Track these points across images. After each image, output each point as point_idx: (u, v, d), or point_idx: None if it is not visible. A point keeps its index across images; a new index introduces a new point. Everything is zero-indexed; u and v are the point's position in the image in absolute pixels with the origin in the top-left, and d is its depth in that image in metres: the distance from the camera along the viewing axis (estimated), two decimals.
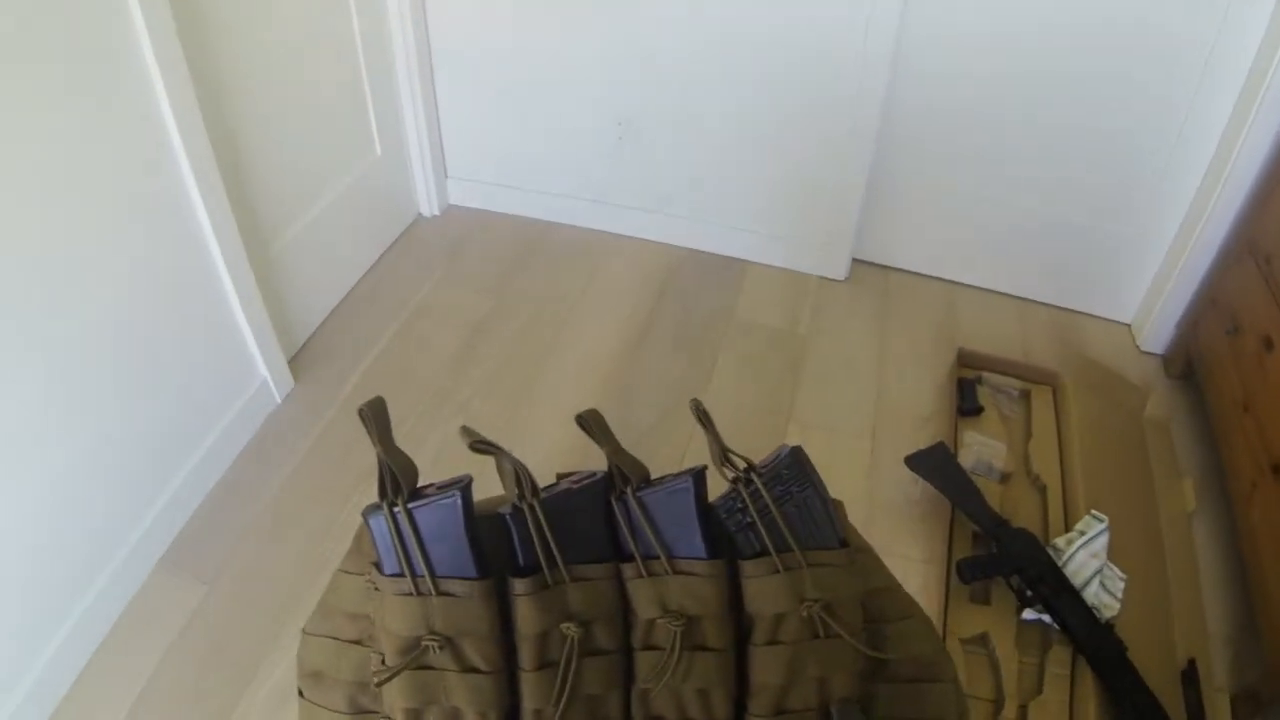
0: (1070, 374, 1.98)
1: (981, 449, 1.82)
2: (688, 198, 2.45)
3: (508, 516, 0.64)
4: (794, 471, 0.66)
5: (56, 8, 1.24)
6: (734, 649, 0.66)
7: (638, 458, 0.68)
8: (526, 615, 0.62)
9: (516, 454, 0.64)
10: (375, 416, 0.63)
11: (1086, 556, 1.53)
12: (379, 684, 0.62)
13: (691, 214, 2.47)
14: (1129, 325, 2.32)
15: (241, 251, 1.75)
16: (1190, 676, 1.44)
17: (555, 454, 1.85)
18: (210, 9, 1.64)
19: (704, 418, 0.68)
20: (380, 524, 0.62)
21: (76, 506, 1.45)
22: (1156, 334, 2.20)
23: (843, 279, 2.43)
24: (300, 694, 0.71)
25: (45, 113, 1.26)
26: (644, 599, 0.65)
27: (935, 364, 2.13)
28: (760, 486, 0.65)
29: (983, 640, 1.49)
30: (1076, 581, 1.49)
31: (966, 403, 1.93)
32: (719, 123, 2.26)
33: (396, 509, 0.62)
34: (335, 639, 0.70)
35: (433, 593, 0.62)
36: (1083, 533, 1.57)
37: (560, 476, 0.70)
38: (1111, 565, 1.53)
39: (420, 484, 0.65)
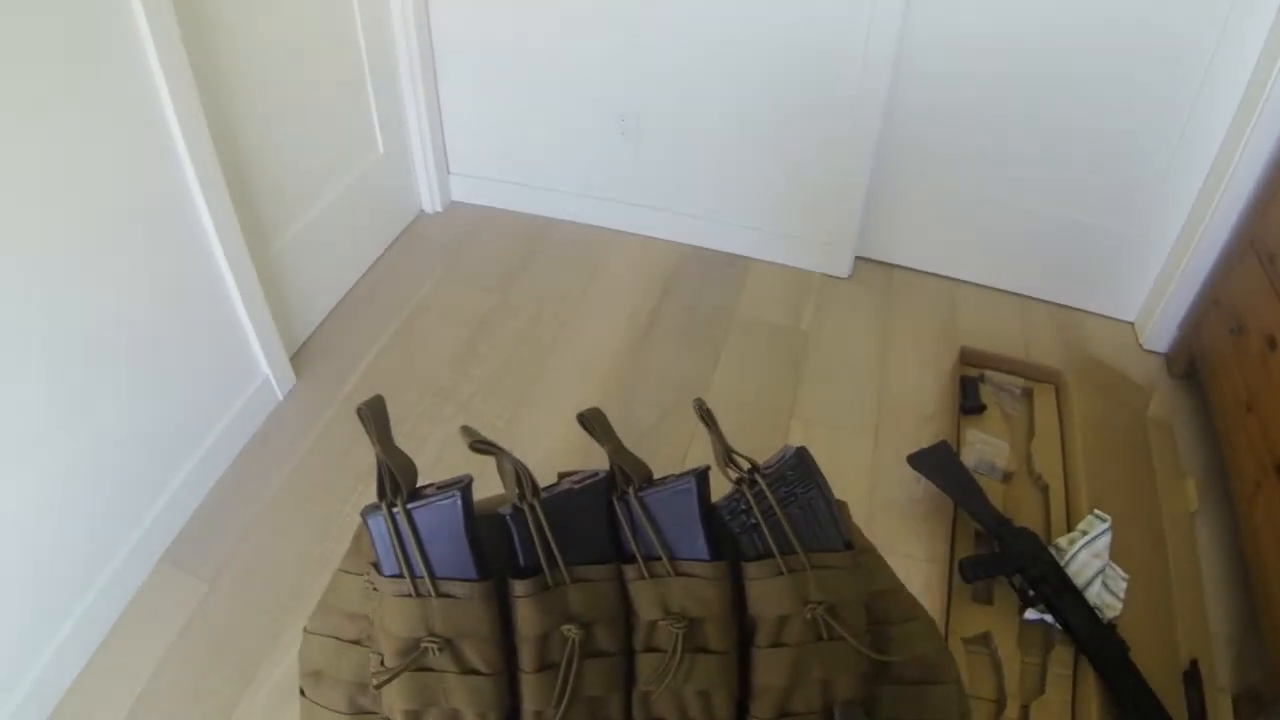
0: (1073, 373, 1.98)
1: (984, 448, 1.81)
2: (690, 195, 2.44)
3: (508, 517, 0.63)
4: (799, 472, 0.65)
5: (59, 8, 1.24)
6: (736, 651, 0.65)
7: (639, 457, 0.68)
8: (527, 617, 0.62)
9: (517, 453, 0.64)
10: (374, 416, 0.63)
11: (1089, 556, 1.53)
12: (378, 686, 0.61)
13: (694, 211, 2.47)
14: (1132, 324, 2.31)
15: (244, 250, 1.75)
16: (1193, 677, 1.43)
17: (556, 453, 1.85)
18: (213, 8, 1.63)
19: (707, 417, 0.68)
20: (379, 524, 0.62)
21: (77, 505, 1.45)
22: (1159, 333, 2.20)
23: (845, 276, 2.43)
24: (302, 693, 0.71)
25: (49, 113, 1.26)
26: (646, 600, 0.64)
27: (938, 362, 2.13)
28: (764, 488, 0.64)
29: (985, 640, 1.48)
30: (1079, 581, 1.49)
31: (969, 401, 1.92)
32: (722, 121, 2.26)
33: (395, 509, 0.61)
34: (335, 639, 0.70)
35: (432, 594, 0.61)
36: (1085, 532, 1.57)
37: (562, 476, 0.69)
38: (1114, 565, 1.53)
39: (420, 484, 0.64)
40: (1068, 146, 2.08)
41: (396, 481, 0.62)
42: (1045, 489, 1.74)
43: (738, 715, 0.67)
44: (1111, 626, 1.44)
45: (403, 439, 0.63)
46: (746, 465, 0.67)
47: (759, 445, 0.71)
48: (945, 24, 1.97)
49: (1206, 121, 1.93)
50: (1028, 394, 1.97)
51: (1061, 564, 1.51)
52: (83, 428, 1.43)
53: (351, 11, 2.08)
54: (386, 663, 0.63)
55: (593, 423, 0.68)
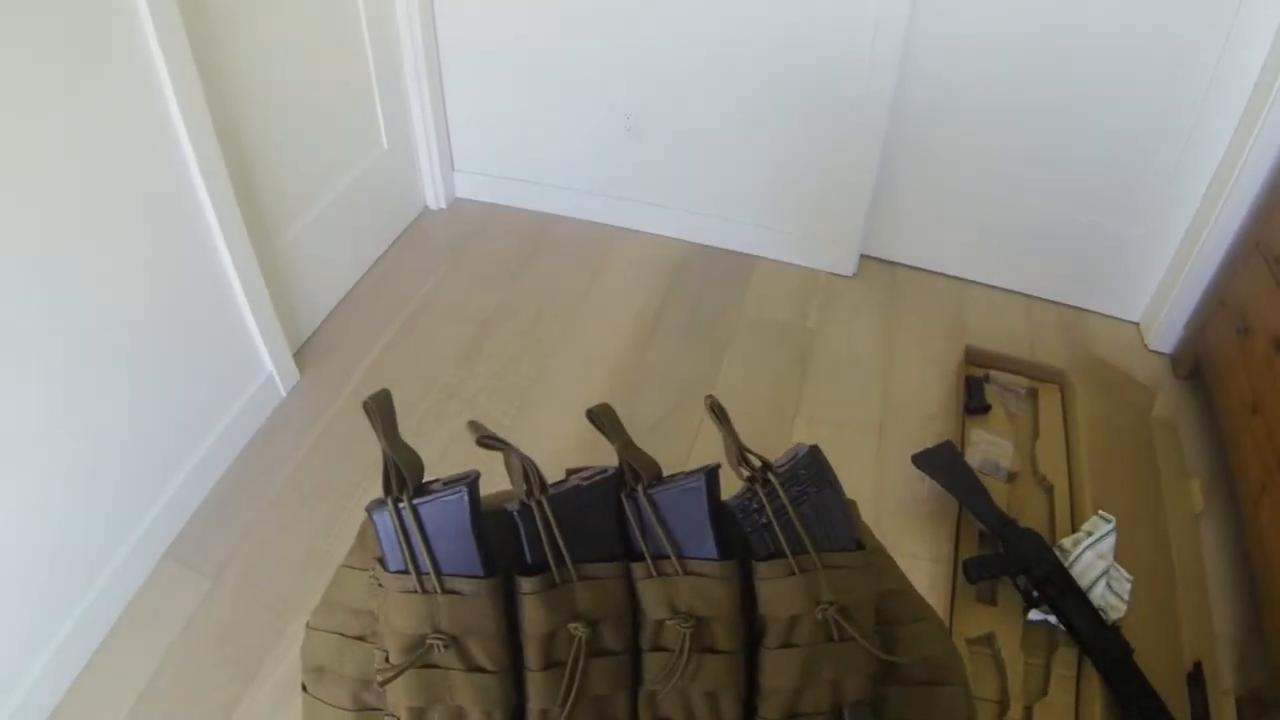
0: (1078, 373, 1.97)
1: (988, 447, 1.81)
2: (696, 192, 2.44)
3: (515, 513, 0.63)
4: (812, 472, 0.64)
5: (62, 7, 1.24)
6: (744, 651, 0.65)
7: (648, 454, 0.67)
8: (533, 615, 0.61)
9: (524, 449, 0.63)
10: (380, 410, 0.62)
11: (1093, 557, 1.52)
12: (383, 683, 0.61)
13: (700, 209, 2.46)
14: (1137, 324, 2.31)
15: (248, 246, 1.74)
16: (1196, 679, 1.43)
17: (564, 449, 1.85)
18: (216, 4, 1.63)
19: (720, 414, 0.67)
20: (385, 520, 0.61)
21: (77, 505, 1.45)
22: (1165, 333, 2.19)
23: (851, 275, 2.42)
24: (304, 689, 0.71)
25: (52, 111, 1.26)
26: (653, 599, 0.64)
27: (943, 361, 2.12)
28: (777, 486, 0.64)
29: (988, 640, 1.48)
30: (1083, 582, 1.48)
31: (974, 400, 1.92)
32: (728, 119, 2.25)
33: (401, 505, 0.61)
34: (339, 634, 0.69)
35: (438, 591, 0.61)
36: (1090, 533, 1.56)
37: (570, 472, 0.68)
38: (1118, 566, 1.52)
39: (426, 479, 0.64)
40: (1073, 147, 2.07)
41: (403, 476, 0.61)
42: (1050, 489, 1.73)
43: (745, 716, 0.66)
44: (1115, 628, 1.43)
45: (407, 436, 0.63)
46: (759, 463, 0.66)
47: (764, 443, 0.70)
48: (952, 24, 1.97)
49: (1212, 123, 1.92)
50: (1032, 394, 1.97)
51: (1066, 565, 1.50)
52: (83, 427, 1.43)
53: (357, 10, 2.08)
54: (391, 659, 0.62)
55: (602, 419, 0.68)
